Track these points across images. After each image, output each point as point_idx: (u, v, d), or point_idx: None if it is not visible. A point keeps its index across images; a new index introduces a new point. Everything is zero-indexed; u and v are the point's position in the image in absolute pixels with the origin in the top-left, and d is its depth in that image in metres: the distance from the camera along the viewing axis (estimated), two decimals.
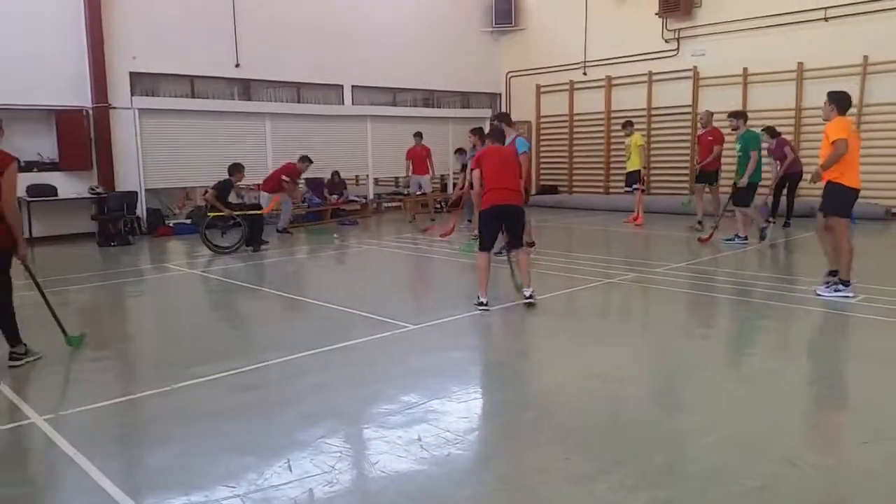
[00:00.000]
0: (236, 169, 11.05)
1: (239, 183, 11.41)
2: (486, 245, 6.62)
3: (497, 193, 6.50)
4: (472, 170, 6.81)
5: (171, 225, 13.34)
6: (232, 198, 11.30)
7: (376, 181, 17.20)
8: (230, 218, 10.94)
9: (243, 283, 8.68)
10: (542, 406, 4.29)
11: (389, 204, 17.36)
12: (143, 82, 13.41)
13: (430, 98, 18.22)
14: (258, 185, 15.13)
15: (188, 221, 13.70)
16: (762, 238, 10.28)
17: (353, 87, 16.31)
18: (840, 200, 6.72)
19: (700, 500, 3.08)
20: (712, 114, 12.20)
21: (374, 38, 16.22)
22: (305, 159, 12.98)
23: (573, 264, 9.14)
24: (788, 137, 13.36)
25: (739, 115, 10.38)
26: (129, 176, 13.09)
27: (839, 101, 6.75)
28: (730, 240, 10.23)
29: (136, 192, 12.92)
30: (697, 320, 6.62)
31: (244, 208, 11.32)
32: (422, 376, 4.85)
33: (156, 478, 3.38)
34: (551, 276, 8.34)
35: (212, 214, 10.85)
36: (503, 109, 18.73)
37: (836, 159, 6.53)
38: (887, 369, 4.86)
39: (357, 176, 17.17)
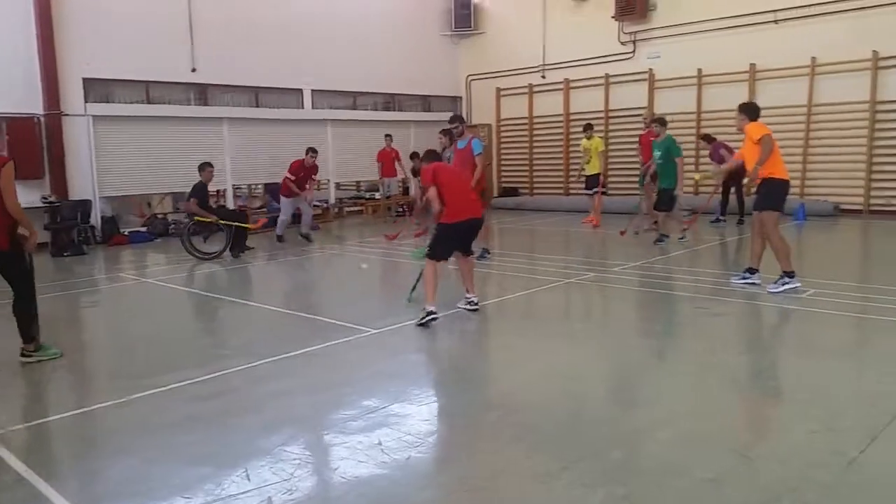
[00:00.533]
0: (202, 168, 10.90)
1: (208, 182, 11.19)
2: (440, 255, 6.36)
3: (463, 207, 6.33)
4: (423, 186, 6.62)
5: (126, 233, 13.09)
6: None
7: (338, 185, 17.12)
8: (214, 224, 10.73)
9: (202, 292, 8.57)
10: (504, 406, 4.32)
11: (351, 208, 17.29)
12: (96, 88, 13.14)
13: (390, 102, 18.20)
14: (218, 191, 15.02)
15: (144, 230, 13.47)
16: (658, 241, 10.44)
17: (312, 90, 16.21)
18: (776, 194, 6.96)
19: (656, 494, 3.14)
20: (654, 114, 12.48)
21: (334, 42, 16.14)
22: (310, 151, 12.53)
23: (534, 265, 9.22)
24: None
25: (661, 122, 10.56)
26: (83, 184, 12.82)
27: (748, 111, 7.18)
28: (681, 238, 10.49)
29: (90, 201, 12.65)
30: (653, 318, 6.73)
31: (227, 214, 11.10)
32: (382, 380, 4.85)
33: (110, 491, 3.32)
34: (513, 278, 8.41)
35: (197, 219, 10.66)
36: (464, 113, 18.81)
37: (768, 154, 6.82)
38: (835, 361, 5.01)
39: (318, 181, 17.03)
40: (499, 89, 18.41)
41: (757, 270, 7.23)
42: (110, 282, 9.61)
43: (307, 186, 12.59)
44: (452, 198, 6.34)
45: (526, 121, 17.98)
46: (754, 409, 4.34)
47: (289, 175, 12.28)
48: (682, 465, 3.37)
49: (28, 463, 3.58)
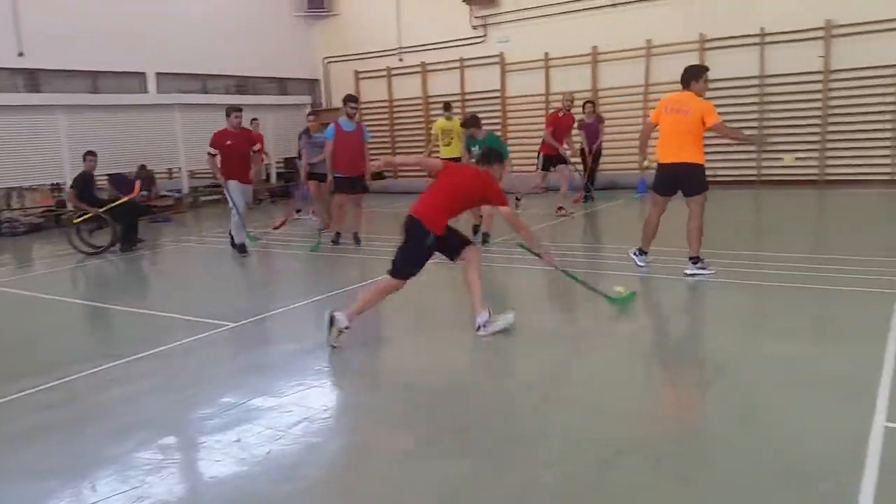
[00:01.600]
0: (83, 158, 10.29)
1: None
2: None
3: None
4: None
5: None
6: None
7: (192, 174, 16.34)
8: (100, 217, 9.98)
9: (46, 295, 7.94)
10: (373, 390, 4.38)
11: (208, 197, 16.58)
12: None
13: (244, 85, 17.57)
14: (57, 184, 13.93)
15: None
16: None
17: (157, 74, 15.32)
18: (655, 177, 6.98)
19: (516, 460, 3.30)
20: (573, 98, 12.23)
21: (179, 22, 15.31)
22: (232, 111, 9.22)
23: None
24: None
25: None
26: None
27: (682, 76, 6.70)
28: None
29: None
30: (546, 293, 6.87)
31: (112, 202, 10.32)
32: (242, 375, 4.76)
33: None
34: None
35: (76, 221, 9.91)
36: (322, 96, 18.52)
37: (640, 139, 7.17)
38: (719, 325, 5.38)
39: (170, 169, 16.22)
40: (357, 72, 18.26)
41: (698, 258, 6.78)
42: None
43: (252, 165, 9.47)
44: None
45: (386, 104, 17.98)
46: (643, 375, 4.54)
47: (210, 150, 9.13)
48: (549, 431, 3.57)
49: None
